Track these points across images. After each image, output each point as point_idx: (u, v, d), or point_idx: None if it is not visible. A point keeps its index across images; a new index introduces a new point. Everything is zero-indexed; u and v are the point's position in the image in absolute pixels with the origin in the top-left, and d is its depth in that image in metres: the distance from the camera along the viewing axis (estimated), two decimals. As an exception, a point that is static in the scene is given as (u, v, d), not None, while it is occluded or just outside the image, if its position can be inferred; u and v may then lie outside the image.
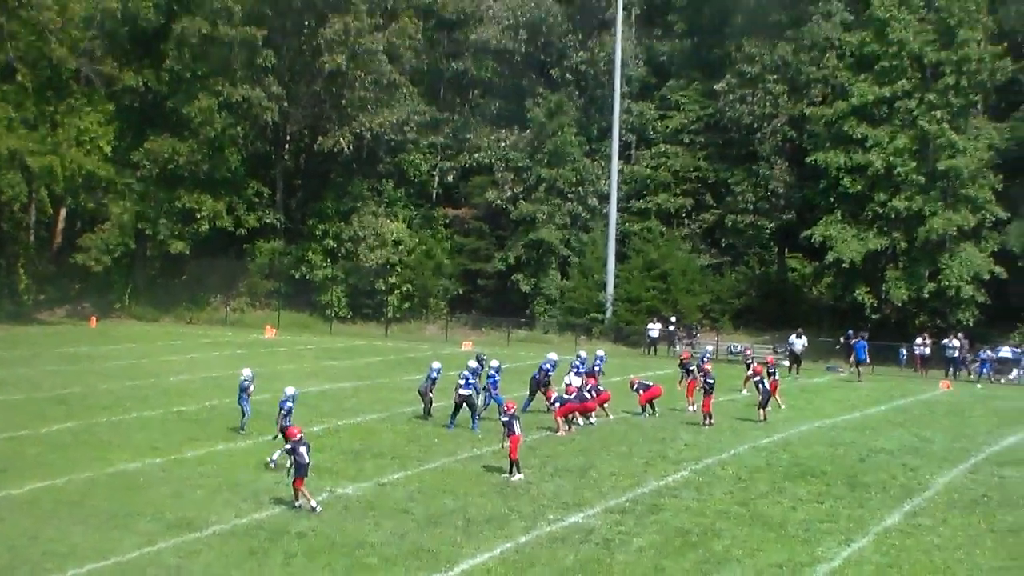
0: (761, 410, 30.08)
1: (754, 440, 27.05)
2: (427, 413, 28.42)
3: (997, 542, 18.14)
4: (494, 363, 28.86)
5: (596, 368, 32.06)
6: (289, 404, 22.36)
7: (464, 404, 27.14)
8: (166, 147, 56.86)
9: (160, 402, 30.53)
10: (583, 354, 32.58)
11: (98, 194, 56.78)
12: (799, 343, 44.55)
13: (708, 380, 29.57)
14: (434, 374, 28.69)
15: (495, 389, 28.30)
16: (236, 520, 18.37)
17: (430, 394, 28.55)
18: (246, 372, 26.29)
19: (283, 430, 20.88)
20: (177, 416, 28.35)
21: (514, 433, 22.04)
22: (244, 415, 25.92)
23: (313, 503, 19.05)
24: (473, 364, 28.42)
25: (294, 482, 19.06)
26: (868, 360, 42.98)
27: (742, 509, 19.77)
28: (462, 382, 27.17)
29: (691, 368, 32.23)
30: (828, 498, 20.93)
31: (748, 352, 40.30)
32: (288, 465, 19.33)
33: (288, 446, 19.22)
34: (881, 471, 23.73)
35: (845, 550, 17.24)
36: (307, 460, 19.08)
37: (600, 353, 33.74)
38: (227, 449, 24.17)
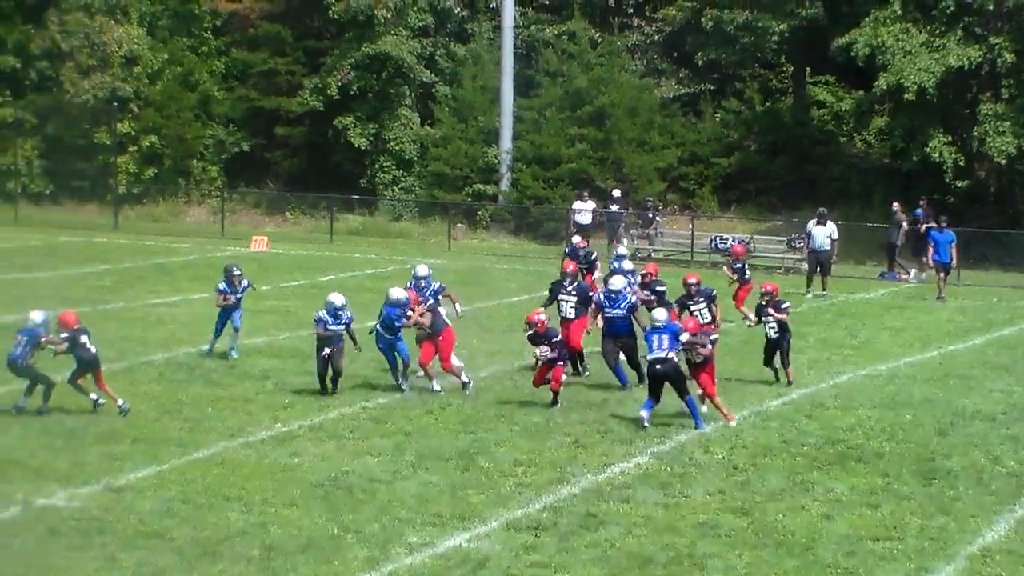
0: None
1: (760, 400, 19.24)
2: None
3: None
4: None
5: (426, 290, 19.82)
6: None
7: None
8: None
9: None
10: (622, 249, 24.39)
11: None
12: (822, 234, 31.06)
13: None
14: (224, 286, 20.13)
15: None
16: None
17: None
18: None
19: None
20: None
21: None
22: None
23: None
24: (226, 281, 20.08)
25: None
26: (954, 263, 31.90)
27: (740, 519, 14.17)
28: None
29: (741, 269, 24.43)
30: (887, 498, 15.06)
31: (736, 248, 27.50)
32: None
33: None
34: (977, 451, 17.07)
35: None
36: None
37: (423, 271, 20.24)
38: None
